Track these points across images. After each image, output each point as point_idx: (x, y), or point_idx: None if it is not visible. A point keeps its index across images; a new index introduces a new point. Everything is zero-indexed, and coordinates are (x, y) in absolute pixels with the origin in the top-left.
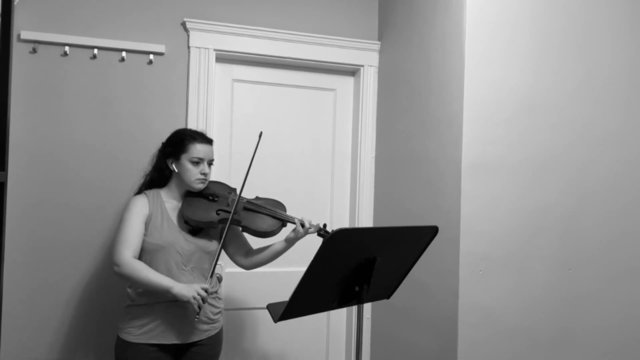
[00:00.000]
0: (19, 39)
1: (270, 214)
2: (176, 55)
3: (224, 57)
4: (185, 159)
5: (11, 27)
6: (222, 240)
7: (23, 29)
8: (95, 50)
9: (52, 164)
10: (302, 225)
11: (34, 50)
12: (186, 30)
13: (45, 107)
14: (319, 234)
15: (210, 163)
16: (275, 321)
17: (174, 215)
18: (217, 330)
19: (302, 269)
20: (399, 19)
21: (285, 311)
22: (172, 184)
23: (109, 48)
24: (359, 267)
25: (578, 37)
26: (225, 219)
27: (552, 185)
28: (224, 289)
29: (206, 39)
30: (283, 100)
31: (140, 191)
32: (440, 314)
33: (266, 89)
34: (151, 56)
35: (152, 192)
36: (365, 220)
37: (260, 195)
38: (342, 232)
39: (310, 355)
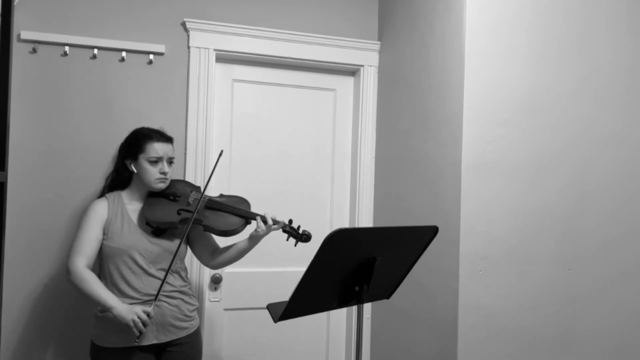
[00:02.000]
0: (19, 39)
1: (232, 212)
2: (176, 55)
3: (224, 57)
4: (143, 159)
5: (11, 27)
6: (181, 240)
7: (23, 29)
8: (95, 50)
9: (52, 164)
10: (265, 222)
11: (34, 50)
12: (186, 30)
13: (45, 107)
14: (284, 231)
15: (170, 161)
16: (275, 321)
17: (135, 217)
18: (195, 328)
19: (302, 269)
20: (399, 19)
21: (285, 311)
22: (133, 185)
23: (109, 48)
24: (359, 267)
25: (578, 38)
26: (186, 219)
27: (552, 185)
28: (223, 289)
29: (206, 39)
30: (283, 100)
31: (102, 194)
32: (440, 314)
33: (266, 89)
34: (151, 56)
35: (113, 195)
36: (365, 220)
37: (225, 193)
38: (341, 232)
39: (310, 355)
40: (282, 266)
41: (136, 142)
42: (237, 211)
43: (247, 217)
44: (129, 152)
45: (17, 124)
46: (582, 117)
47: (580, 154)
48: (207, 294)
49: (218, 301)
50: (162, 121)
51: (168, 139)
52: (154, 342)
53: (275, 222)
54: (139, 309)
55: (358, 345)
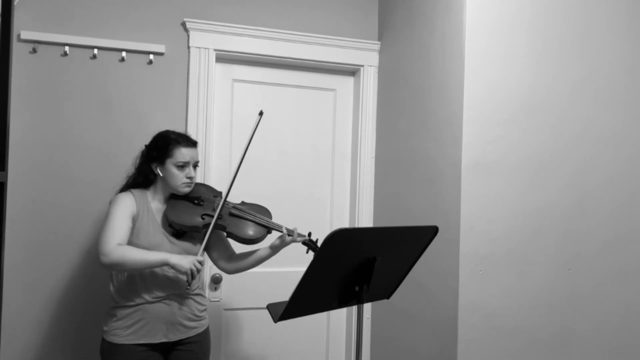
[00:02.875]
0: (19, 39)
1: (256, 221)
2: (176, 55)
3: (224, 57)
4: (170, 164)
5: (11, 27)
6: (203, 244)
7: (23, 29)
8: (95, 50)
9: (52, 164)
10: (290, 235)
11: (34, 50)
12: (186, 30)
13: (45, 107)
14: (304, 243)
15: (195, 165)
16: (275, 321)
17: (159, 217)
18: (204, 328)
19: (302, 269)
20: (399, 19)
21: (285, 311)
22: (158, 187)
23: (109, 48)
24: (359, 267)
25: (578, 37)
26: (209, 224)
27: (552, 185)
28: (223, 289)
29: (206, 39)
30: (283, 100)
31: (122, 190)
32: (440, 314)
33: (266, 89)
34: (151, 56)
35: (138, 192)
36: (365, 220)
37: (247, 201)
38: (341, 232)
39: (310, 356)
40: (282, 266)
41: (164, 147)
42: (261, 221)
43: (271, 227)
44: (156, 155)
45: (17, 124)
46: (582, 117)
47: (580, 154)
48: (207, 294)
49: (218, 301)
50: (162, 121)
51: (194, 144)
52: (163, 340)
53: (299, 235)
54: (193, 258)
55: (358, 345)
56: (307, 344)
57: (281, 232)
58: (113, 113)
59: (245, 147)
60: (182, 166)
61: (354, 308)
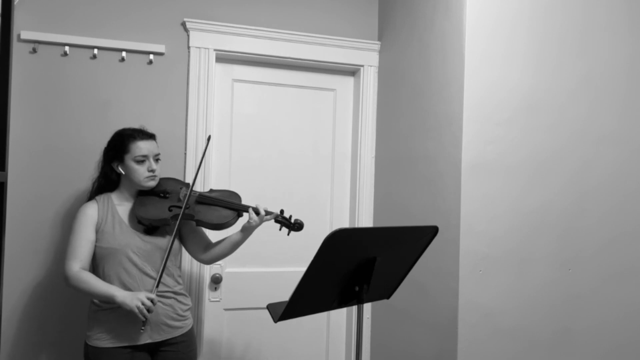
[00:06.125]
0: (19, 39)
1: (223, 205)
2: (176, 55)
3: (224, 57)
4: (129, 159)
5: (11, 27)
6: (173, 236)
7: (23, 29)
8: (95, 50)
9: (52, 163)
10: (257, 213)
11: (34, 50)
12: (186, 30)
13: (45, 107)
14: (277, 221)
15: (156, 158)
16: (275, 321)
17: (126, 217)
18: (189, 328)
19: (302, 269)
20: (399, 19)
21: (285, 311)
22: (122, 187)
23: (109, 48)
24: (359, 267)
25: (577, 37)
26: (178, 215)
27: (552, 185)
28: (223, 289)
29: (206, 39)
30: (283, 100)
31: (90, 198)
32: (440, 314)
33: (266, 89)
34: (151, 56)
35: (102, 197)
36: (365, 220)
37: (215, 188)
38: (341, 232)
39: (310, 355)
40: (282, 266)
41: (120, 144)
42: (228, 204)
43: (239, 209)
44: (114, 154)
45: (17, 124)
46: (582, 117)
47: (580, 154)
48: (207, 294)
49: (218, 301)
50: (162, 121)
51: (151, 136)
52: (148, 341)
53: (267, 212)
54: (142, 295)
55: (358, 345)
56: (307, 344)
57: (249, 213)
58: (113, 113)
59: (196, 173)
60: (141, 160)
61: (354, 308)
